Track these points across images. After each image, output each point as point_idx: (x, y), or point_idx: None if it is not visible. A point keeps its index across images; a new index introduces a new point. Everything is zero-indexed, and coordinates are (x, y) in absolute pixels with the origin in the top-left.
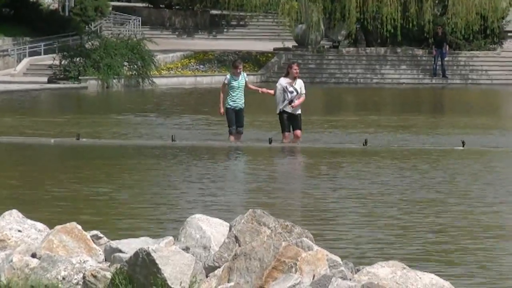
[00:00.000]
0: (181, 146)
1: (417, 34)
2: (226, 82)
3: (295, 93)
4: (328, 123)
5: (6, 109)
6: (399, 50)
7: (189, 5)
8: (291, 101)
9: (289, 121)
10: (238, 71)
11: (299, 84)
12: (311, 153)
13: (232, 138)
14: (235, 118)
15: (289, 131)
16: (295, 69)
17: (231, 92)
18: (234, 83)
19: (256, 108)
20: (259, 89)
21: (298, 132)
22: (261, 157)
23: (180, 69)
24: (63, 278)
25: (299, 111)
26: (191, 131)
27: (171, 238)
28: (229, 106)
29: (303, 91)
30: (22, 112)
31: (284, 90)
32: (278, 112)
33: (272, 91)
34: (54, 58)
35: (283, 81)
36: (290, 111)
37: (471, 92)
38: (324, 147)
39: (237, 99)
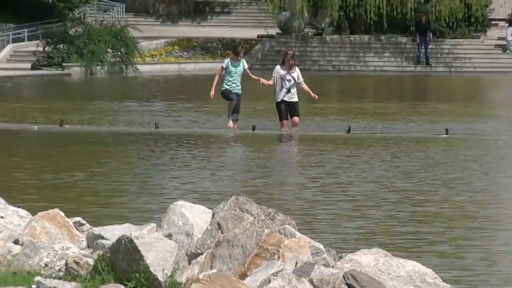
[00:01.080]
0: (164, 133)
1: (401, 21)
2: (224, 66)
3: (292, 81)
4: (312, 110)
5: None
6: (383, 37)
7: None
8: (288, 90)
9: (287, 109)
10: (239, 57)
11: (297, 72)
12: (294, 140)
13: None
14: (235, 100)
15: (287, 119)
16: (289, 60)
17: (227, 77)
18: (232, 69)
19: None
20: (260, 79)
21: (296, 119)
22: (244, 144)
23: (164, 56)
24: (46, 265)
25: (296, 99)
26: (175, 118)
27: (153, 225)
28: (223, 88)
29: (300, 79)
30: (5, 99)
31: (282, 78)
32: (276, 101)
33: (271, 82)
34: (38, 45)
35: (280, 70)
36: (287, 100)
37: (455, 80)
38: (308, 135)
39: (233, 84)
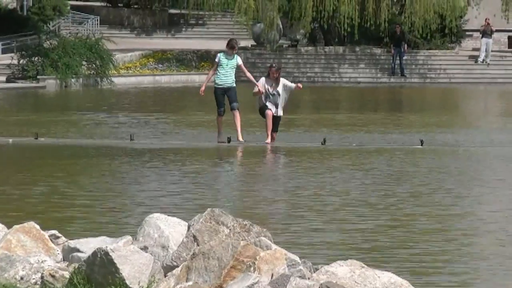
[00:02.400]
0: (139, 145)
1: (375, 33)
2: (217, 61)
3: (277, 95)
4: (287, 122)
5: None
6: (357, 49)
7: (148, 4)
8: (276, 104)
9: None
10: (234, 51)
11: (281, 84)
12: (269, 152)
13: (220, 119)
14: (228, 95)
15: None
16: (273, 73)
17: (219, 70)
18: (224, 61)
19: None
20: (256, 83)
21: (274, 134)
22: (219, 157)
23: (138, 68)
24: (21, 278)
25: (281, 113)
26: (150, 130)
27: (129, 237)
28: (217, 86)
29: (291, 85)
30: None
31: (267, 92)
32: (259, 107)
33: (261, 90)
34: (12, 58)
35: (265, 83)
36: (276, 114)
37: (430, 91)
38: (282, 146)
39: (225, 77)
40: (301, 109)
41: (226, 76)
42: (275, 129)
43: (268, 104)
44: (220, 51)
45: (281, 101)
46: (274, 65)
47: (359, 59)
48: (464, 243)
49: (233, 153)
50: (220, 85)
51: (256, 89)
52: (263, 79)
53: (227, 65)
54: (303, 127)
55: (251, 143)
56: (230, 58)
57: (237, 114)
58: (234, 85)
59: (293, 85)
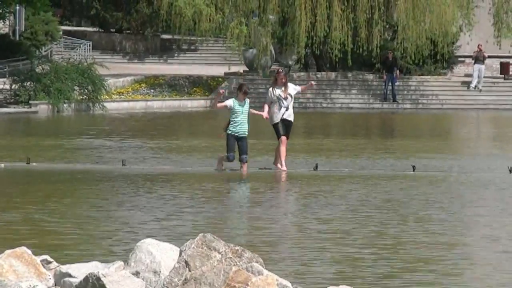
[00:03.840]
0: (131, 171)
1: (367, 58)
2: (228, 105)
3: (289, 98)
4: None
5: None
6: (349, 74)
7: (140, 30)
8: (287, 108)
9: (283, 127)
10: (246, 96)
11: (291, 88)
12: (260, 178)
13: (224, 159)
14: (238, 146)
15: (285, 135)
16: (282, 79)
17: (233, 118)
18: (238, 108)
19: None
20: (262, 114)
21: (284, 138)
22: (209, 182)
23: (131, 94)
24: None
25: (293, 117)
26: (142, 156)
27: (121, 263)
28: (230, 132)
29: (298, 88)
30: None
31: (279, 98)
32: (274, 123)
33: (265, 114)
34: (5, 83)
35: (275, 90)
36: (286, 118)
37: (422, 117)
38: (275, 172)
39: (239, 126)
40: (293, 134)
41: (241, 124)
42: (287, 133)
43: (282, 110)
44: (210, 78)
45: (291, 106)
46: (281, 70)
47: (351, 84)
48: (450, 273)
49: (227, 178)
50: (236, 133)
51: (264, 116)
52: (270, 89)
53: (241, 113)
54: (295, 152)
55: (252, 168)
56: (242, 104)
57: (245, 167)
58: (246, 135)
59: (299, 87)
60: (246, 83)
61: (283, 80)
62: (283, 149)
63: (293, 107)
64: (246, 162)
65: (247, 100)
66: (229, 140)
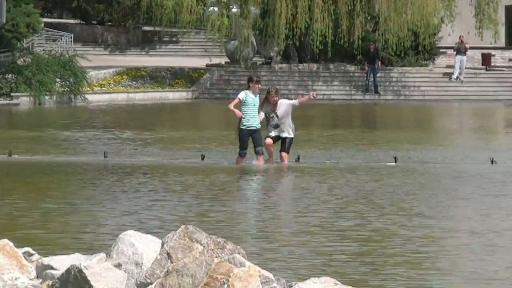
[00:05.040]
0: (113, 162)
1: (349, 50)
2: (241, 98)
3: (276, 118)
4: None
5: None
6: (331, 66)
7: (121, 22)
8: (276, 126)
9: (276, 141)
10: (258, 90)
11: (283, 106)
12: (243, 170)
13: (240, 160)
14: (253, 139)
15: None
16: (273, 97)
17: (246, 111)
18: (250, 101)
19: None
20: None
21: (284, 154)
22: (193, 174)
23: (112, 86)
24: None
25: (287, 134)
26: (124, 148)
27: (103, 254)
28: (243, 127)
29: (293, 102)
30: None
31: (267, 117)
32: (273, 135)
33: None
34: None
35: (266, 107)
36: (280, 135)
37: (404, 108)
38: (256, 164)
39: (252, 119)
40: None
41: (253, 117)
42: (284, 149)
43: (271, 130)
44: (192, 69)
45: (287, 122)
46: (271, 89)
47: (333, 76)
48: (429, 267)
49: (207, 171)
50: (249, 126)
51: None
52: (264, 104)
53: (254, 105)
54: (277, 144)
55: (224, 161)
56: (254, 96)
57: (261, 159)
58: (260, 126)
59: (293, 101)
60: (252, 74)
61: (274, 99)
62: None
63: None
64: (262, 154)
65: (257, 92)
66: (244, 137)
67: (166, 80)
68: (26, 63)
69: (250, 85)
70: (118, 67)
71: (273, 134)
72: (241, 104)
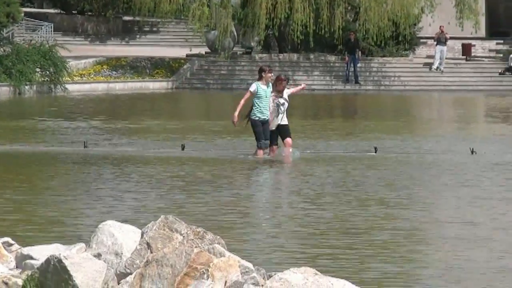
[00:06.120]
0: (93, 152)
1: (329, 40)
2: (252, 91)
3: (286, 104)
4: (240, 129)
5: None
6: (311, 56)
7: (102, 12)
8: (284, 114)
9: (277, 134)
10: (270, 79)
11: (285, 95)
12: (217, 160)
13: (260, 152)
14: (264, 131)
15: (277, 145)
16: (284, 85)
17: (258, 103)
18: (262, 92)
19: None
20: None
21: (289, 139)
22: (173, 164)
23: (92, 75)
24: None
25: (286, 121)
26: (104, 138)
27: (82, 244)
28: (256, 118)
29: (289, 92)
30: None
31: (278, 104)
32: (274, 128)
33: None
34: None
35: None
36: (281, 123)
37: (384, 98)
38: (234, 155)
39: (265, 110)
40: None
41: (266, 108)
42: (289, 135)
43: (279, 116)
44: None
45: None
46: (283, 77)
47: (314, 66)
48: (408, 257)
49: (186, 161)
50: (261, 118)
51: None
52: (252, 92)
53: (266, 97)
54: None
55: (211, 151)
56: (265, 87)
57: (261, 152)
58: (269, 117)
59: (290, 90)
60: (267, 65)
61: (283, 87)
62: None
63: None
64: (267, 147)
65: (270, 83)
66: (257, 127)
67: (146, 70)
68: (6, 53)
69: (263, 75)
70: (98, 57)
71: (280, 122)
72: (254, 96)
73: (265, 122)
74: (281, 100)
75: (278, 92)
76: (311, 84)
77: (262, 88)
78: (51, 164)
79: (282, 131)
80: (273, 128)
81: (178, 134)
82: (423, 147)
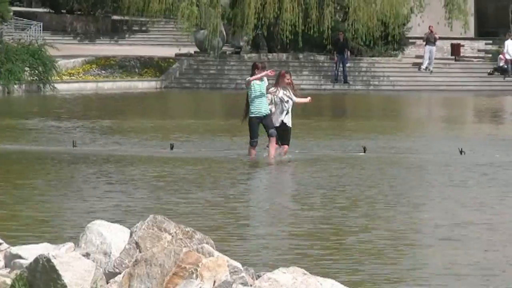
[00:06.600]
0: (82, 151)
1: (318, 40)
2: (247, 80)
3: (290, 102)
4: (226, 128)
5: None
6: (300, 56)
7: (91, 11)
8: (287, 112)
9: (281, 133)
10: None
11: (292, 94)
12: (206, 160)
13: (253, 151)
14: (263, 125)
15: (283, 143)
16: (288, 79)
17: (252, 99)
18: (257, 88)
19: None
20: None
21: (286, 147)
22: (163, 163)
23: (81, 75)
24: None
25: (290, 123)
26: (93, 137)
27: (71, 244)
28: (252, 115)
29: (294, 98)
30: None
31: (281, 100)
32: (278, 125)
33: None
34: None
35: (279, 92)
36: (285, 122)
37: (373, 98)
38: (221, 154)
39: (261, 105)
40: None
41: (263, 103)
42: (286, 141)
43: (283, 113)
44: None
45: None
46: (286, 71)
47: (303, 66)
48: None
49: (174, 161)
50: (259, 113)
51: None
52: (273, 89)
53: (261, 91)
54: (246, 132)
55: (200, 151)
56: (260, 82)
57: (273, 141)
58: (269, 111)
59: (295, 96)
60: (256, 61)
61: (288, 81)
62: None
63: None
64: (275, 136)
65: (264, 78)
66: (253, 125)
67: (135, 69)
68: None
69: (256, 72)
70: (87, 56)
71: (284, 120)
72: (248, 91)
73: (263, 117)
74: (285, 98)
75: (284, 88)
76: (300, 83)
77: (256, 83)
78: (39, 163)
79: (284, 134)
80: (277, 125)
81: (167, 134)
82: (412, 147)
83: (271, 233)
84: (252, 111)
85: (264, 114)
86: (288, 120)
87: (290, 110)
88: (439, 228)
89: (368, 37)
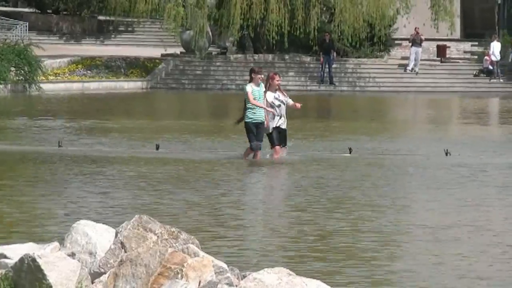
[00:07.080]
0: (67, 152)
1: (304, 41)
2: (250, 91)
3: (283, 106)
4: (211, 129)
5: None
6: (286, 57)
7: (77, 11)
8: (280, 116)
9: (277, 135)
10: (260, 80)
11: (284, 96)
12: (192, 161)
13: (256, 154)
14: (257, 132)
15: (279, 144)
16: (277, 80)
17: (250, 105)
18: (256, 94)
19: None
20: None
21: (282, 148)
22: (148, 164)
23: (67, 75)
24: None
25: (285, 126)
26: (78, 137)
27: (56, 244)
28: (249, 120)
29: (289, 100)
30: None
31: (272, 105)
32: (268, 132)
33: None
34: None
35: (268, 96)
36: (280, 126)
37: (359, 99)
38: (210, 155)
39: (258, 111)
40: (229, 117)
41: (259, 109)
42: (283, 143)
43: (276, 118)
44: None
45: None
46: (275, 72)
47: (288, 67)
48: (383, 260)
49: (160, 161)
50: (254, 119)
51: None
52: (268, 93)
53: (259, 97)
54: (232, 133)
55: (186, 151)
56: (258, 88)
57: (259, 154)
58: (264, 120)
59: (287, 99)
60: (253, 66)
61: (278, 82)
62: (276, 157)
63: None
64: (260, 149)
65: (261, 83)
66: (251, 129)
67: (121, 69)
68: None
69: (253, 77)
70: (73, 56)
71: (279, 124)
72: (245, 97)
73: (258, 124)
74: (276, 102)
75: (275, 90)
76: (285, 84)
77: (255, 89)
78: (24, 163)
79: (279, 137)
80: (269, 131)
81: (153, 134)
82: (398, 148)
83: (257, 233)
84: (249, 116)
85: (260, 121)
86: (282, 122)
87: (284, 113)
88: (425, 229)
89: (354, 38)
